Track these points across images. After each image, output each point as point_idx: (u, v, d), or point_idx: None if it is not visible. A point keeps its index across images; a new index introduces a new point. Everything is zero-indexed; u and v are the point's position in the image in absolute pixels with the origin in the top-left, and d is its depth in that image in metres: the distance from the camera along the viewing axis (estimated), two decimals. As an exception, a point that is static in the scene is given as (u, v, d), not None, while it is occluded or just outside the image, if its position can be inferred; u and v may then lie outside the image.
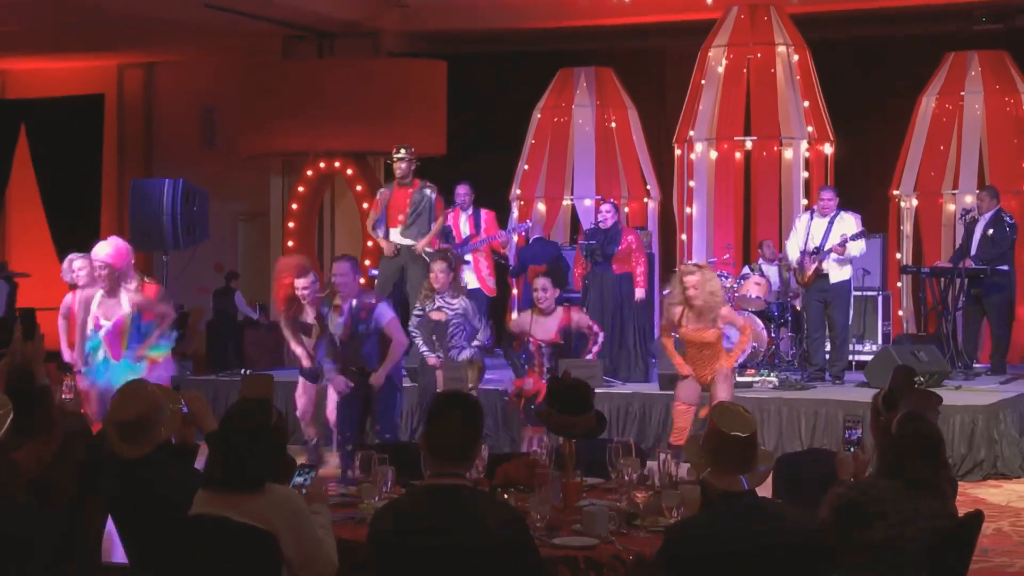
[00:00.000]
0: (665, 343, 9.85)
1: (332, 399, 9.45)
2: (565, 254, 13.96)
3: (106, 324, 9.07)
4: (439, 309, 9.82)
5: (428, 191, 12.19)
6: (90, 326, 9.20)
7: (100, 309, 9.15)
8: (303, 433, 10.01)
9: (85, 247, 13.35)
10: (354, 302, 9.03)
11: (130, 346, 9.10)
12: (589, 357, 9.69)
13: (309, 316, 9.56)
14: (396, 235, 12.18)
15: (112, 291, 9.14)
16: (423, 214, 12.16)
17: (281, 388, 10.32)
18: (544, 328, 9.73)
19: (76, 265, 9.55)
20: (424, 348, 9.87)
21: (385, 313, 9.09)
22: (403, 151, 12.15)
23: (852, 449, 5.43)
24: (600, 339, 9.90)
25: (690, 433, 9.07)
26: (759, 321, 12.83)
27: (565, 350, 9.72)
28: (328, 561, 4.45)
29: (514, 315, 13.63)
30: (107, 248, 9.15)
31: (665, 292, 14.05)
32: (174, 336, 9.54)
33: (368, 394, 9.12)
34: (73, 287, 9.58)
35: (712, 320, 9.33)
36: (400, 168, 12.15)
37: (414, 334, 9.85)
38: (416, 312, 10.03)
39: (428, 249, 12.07)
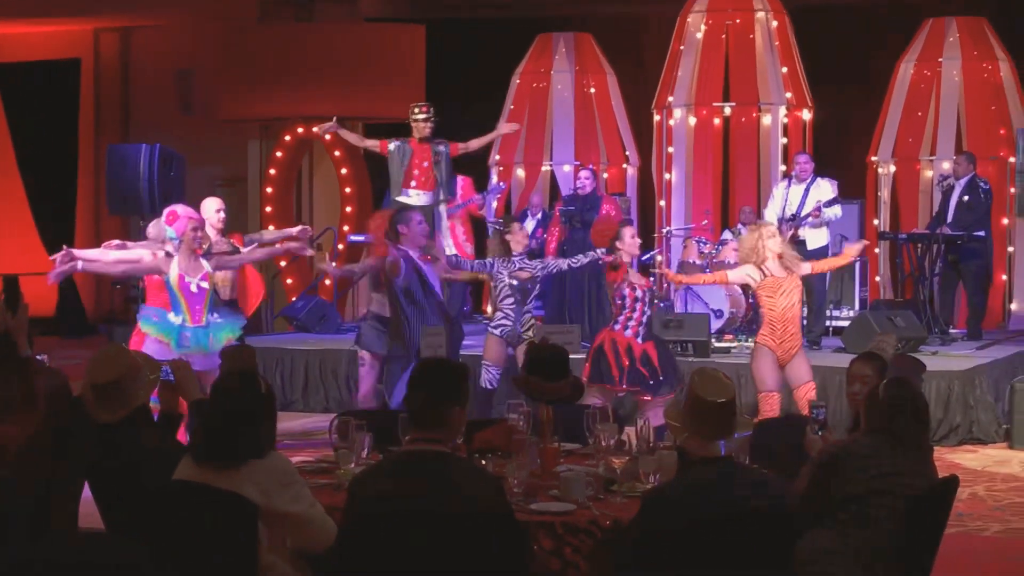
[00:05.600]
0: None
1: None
2: (543, 218, 13.97)
3: (197, 283, 8.83)
4: (522, 269, 9.68)
5: (441, 147, 11.62)
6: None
7: (185, 268, 8.90)
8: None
9: (62, 212, 13.22)
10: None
11: (210, 310, 8.93)
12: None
13: None
14: (416, 196, 11.54)
15: (194, 252, 8.91)
16: (442, 173, 11.67)
17: (260, 355, 10.27)
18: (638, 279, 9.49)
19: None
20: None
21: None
22: (424, 110, 11.51)
23: (820, 431, 5.52)
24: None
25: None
26: (737, 287, 12.87)
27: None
28: (330, 525, 4.46)
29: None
30: (190, 211, 9.02)
31: (645, 257, 14.09)
32: (241, 319, 9.40)
33: None
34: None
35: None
36: (427, 128, 11.48)
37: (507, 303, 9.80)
38: (500, 272, 9.70)
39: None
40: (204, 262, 8.84)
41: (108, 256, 8.99)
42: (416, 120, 11.57)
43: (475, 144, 11.76)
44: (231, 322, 8.98)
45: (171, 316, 8.72)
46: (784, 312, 8.92)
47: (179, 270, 8.65)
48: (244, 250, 9.66)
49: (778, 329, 8.94)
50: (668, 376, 8.96)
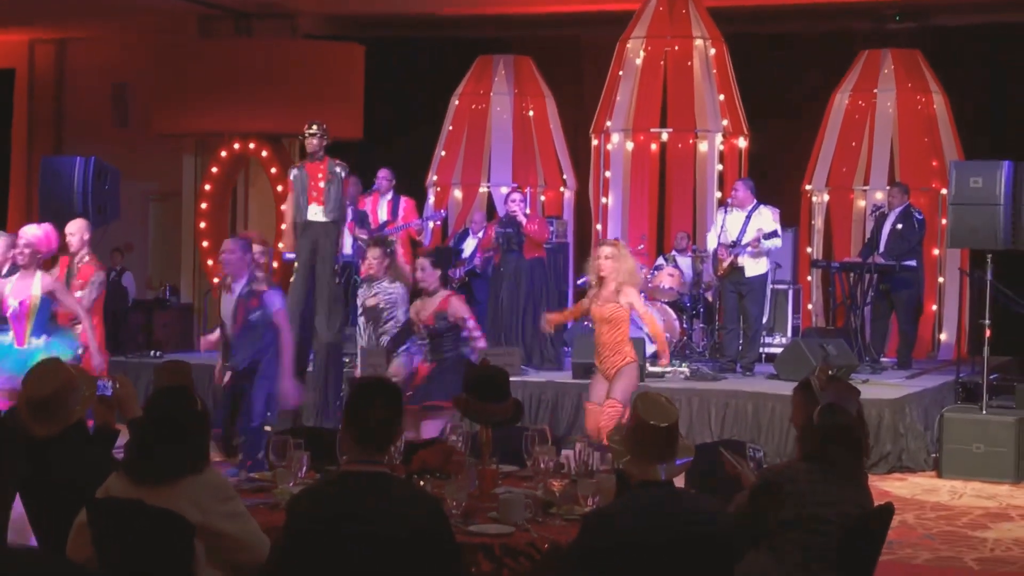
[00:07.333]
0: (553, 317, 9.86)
1: None
2: (478, 239, 13.99)
3: (13, 304, 8.88)
4: (375, 295, 9.79)
5: (338, 169, 11.44)
6: None
7: (11, 289, 8.94)
8: None
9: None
10: (243, 285, 8.70)
11: (35, 333, 8.91)
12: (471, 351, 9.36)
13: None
14: (314, 212, 11.40)
15: (27, 271, 8.92)
16: (334, 190, 11.40)
17: (196, 371, 10.17)
18: (427, 310, 9.33)
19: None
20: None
21: (274, 301, 8.68)
22: (315, 127, 11.72)
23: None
24: (477, 336, 9.38)
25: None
26: (672, 312, 12.93)
27: (436, 335, 9.28)
28: (264, 541, 4.42)
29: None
30: (36, 230, 9.02)
31: (580, 281, 14.10)
32: (75, 342, 9.23)
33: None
34: None
35: (616, 296, 9.08)
36: (311, 144, 11.44)
37: (358, 325, 9.90)
38: (359, 303, 10.01)
39: (363, 236, 12.07)
40: (35, 282, 8.84)
41: None
42: (304, 137, 11.58)
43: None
44: (56, 346, 8.87)
45: (4, 336, 8.90)
46: None
47: (6, 292, 8.80)
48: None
49: None
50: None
